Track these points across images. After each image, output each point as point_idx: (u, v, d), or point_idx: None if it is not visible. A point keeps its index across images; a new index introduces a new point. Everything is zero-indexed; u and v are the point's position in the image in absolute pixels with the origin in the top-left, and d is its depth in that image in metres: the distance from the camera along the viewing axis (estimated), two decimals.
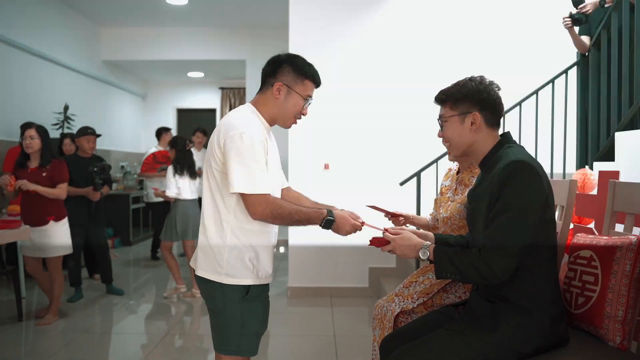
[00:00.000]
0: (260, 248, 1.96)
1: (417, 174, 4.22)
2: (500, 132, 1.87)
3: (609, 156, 3.30)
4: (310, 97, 2.00)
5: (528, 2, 4.95)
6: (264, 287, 2.03)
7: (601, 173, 2.73)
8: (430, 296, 2.27)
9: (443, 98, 1.86)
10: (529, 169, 1.65)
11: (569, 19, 3.70)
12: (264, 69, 2.01)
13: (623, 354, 1.68)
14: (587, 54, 3.81)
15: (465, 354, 1.66)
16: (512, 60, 4.77)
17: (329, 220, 1.90)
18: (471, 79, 1.83)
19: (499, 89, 1.83)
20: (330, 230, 1.93)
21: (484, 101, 1.79)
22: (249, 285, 1.94)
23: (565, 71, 4.01)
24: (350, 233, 1.94)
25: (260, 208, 1.83)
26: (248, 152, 1.82)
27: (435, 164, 4.24)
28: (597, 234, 2.32)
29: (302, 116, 2.02)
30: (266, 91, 1.98)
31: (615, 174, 2.66)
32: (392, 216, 2.50)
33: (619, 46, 3.37)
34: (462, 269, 1.66)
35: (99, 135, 4.92)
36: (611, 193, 2.04)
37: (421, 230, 2.02)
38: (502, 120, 1.88)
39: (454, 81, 1.88)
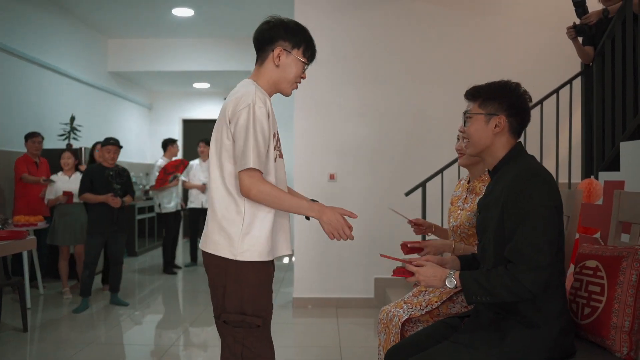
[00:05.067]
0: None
1: (423, 184, 4.22)
2: None
3: (614, 166, 3.29)
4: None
5: (532, 13, 4.97)
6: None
7: (606, 183, 2.73)
8: (437, 304, 2.27)
9: (474, 94, 1.84)
10: (544, 178, 1.66)
11: (572, 30, 3.71)
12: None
13: None
14: (591, 64, 3.82)
15: None
16: (516, 71, 4.77)
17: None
18: (507, 83, 1.81)
19: (531, 101, 1.83)
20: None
21: (513, 107, 1.78)
22: None
23: (570, 81, 4.02)
24: None
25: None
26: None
27: (440, 174, 4.24)
28: (602, 244, 2.31)
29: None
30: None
31: (621, 183, 2.66)
32: (415, 224, 2.52)
33: (623, 56, 3.37)
34: (491, 290, 1.62)
35: (120, 147, 5.14)
36: (616, 203, 2.04)
37: (448, 256, 2.00)
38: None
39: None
